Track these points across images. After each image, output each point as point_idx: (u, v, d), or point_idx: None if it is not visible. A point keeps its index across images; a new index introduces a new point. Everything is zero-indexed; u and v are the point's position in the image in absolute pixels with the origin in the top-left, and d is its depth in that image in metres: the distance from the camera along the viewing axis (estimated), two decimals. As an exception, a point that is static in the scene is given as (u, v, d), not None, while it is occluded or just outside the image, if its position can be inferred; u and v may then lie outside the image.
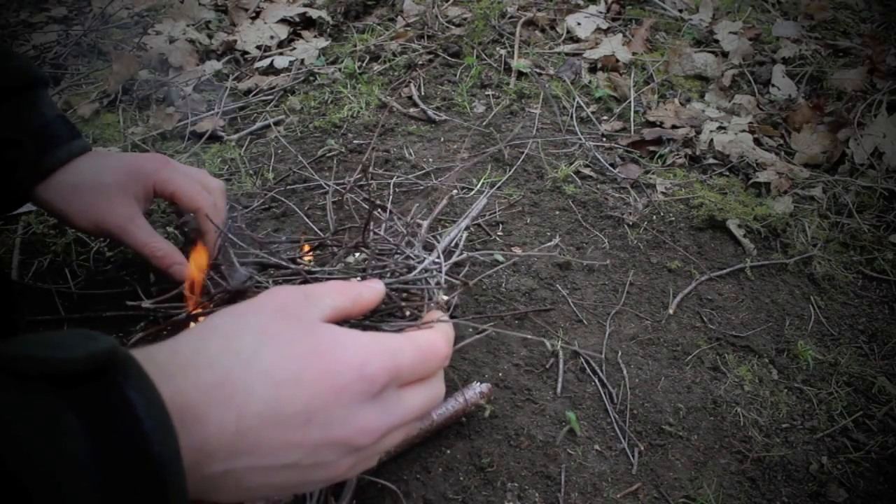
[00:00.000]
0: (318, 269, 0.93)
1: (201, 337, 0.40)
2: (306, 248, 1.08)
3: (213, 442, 0.37)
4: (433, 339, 0.48)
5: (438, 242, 1.09)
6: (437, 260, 0.95)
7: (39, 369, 0.31)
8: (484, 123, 1.60)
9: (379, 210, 1.29)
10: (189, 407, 0.36)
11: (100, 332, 0.36)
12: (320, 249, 1.08)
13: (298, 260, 1.01)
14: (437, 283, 0.94)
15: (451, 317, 1.12)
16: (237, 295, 0.95)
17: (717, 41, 1.92)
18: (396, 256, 0.96)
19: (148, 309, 1.10)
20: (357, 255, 1.02)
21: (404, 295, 0.87)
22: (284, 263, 0.95)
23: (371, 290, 0.51)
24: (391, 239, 1.01)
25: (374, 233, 1.03)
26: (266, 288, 0.92)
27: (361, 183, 1.39)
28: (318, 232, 1.27)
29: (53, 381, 0.31)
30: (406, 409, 0.46)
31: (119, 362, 0.33)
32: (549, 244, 1.29)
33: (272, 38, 1.94)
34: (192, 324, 1.00)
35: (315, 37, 1.97)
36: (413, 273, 0.91)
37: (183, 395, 0.36)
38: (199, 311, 0.97)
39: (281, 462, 0.40)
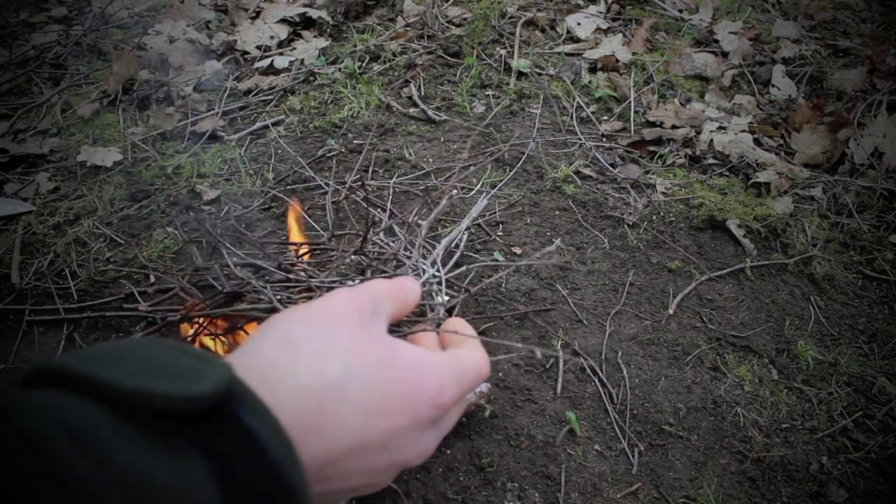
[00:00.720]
0: (315, 277, 0.94)
1: (288, 356, 0.38)
2: (304, 250, 1.08)
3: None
4: (483, 362, 0.48)
5: (437, 247, 1.09)
6: (437, 273, 0.96)
7: (160, 406, 0.27)
8: (484, 124, 1.60)
9: (379, 211, 1.29)
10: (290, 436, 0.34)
11: (173, 340, 0.33)
12: (318, 253, 1.09)
13: (296, 264, 1.01)
14: (437, 292, 0.95)
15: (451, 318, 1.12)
16: (233, 297, 0.95)
17: (717, 41, 1.92)
18: (393, 264, 0.97)
19: (145, 311, 1.10)
20: (354, 257, 1.02)
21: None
22: (282, 274, 0.96)
23: (415, 295, 0.51)
24: (389, 246, 1.01)
25: (373, 241, 1.04)
26: (261, 291, 0.93)
27: (361, 183, 1.39)
28: (320, 231, 1.27)
29: (172, 415, 0.28)
30: (450, 426, 0.47)
31: (233, 387, 0.30)
32: (549, 248, 1.29)
33: (272, 38, 1.94)
34: (190, 325, 1.00)
35: (315, 37, 1.96)
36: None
37: (285, 423, 0.33)
38: (195, 312, 0.97)
39: (349, 486, 0.40)
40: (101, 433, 0.26)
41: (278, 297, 0.90)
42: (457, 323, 0.53)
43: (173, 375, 0.29)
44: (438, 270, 0.95)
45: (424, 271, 0.94)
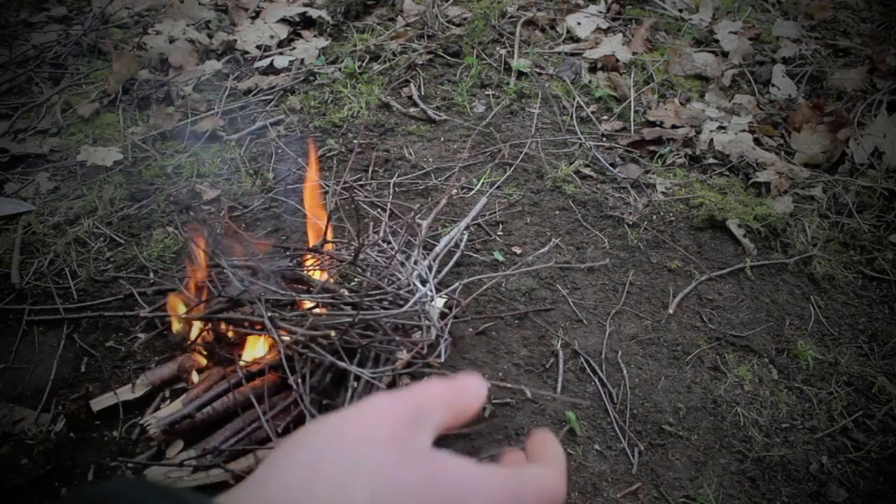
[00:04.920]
0: (306, 297, 0.95)
1: (306, 482, 0.33)
2: (306, 258, 1.09)
3: None
4: (552, 481, 0.39)
5: (428, 256, 1.12)
6: (429, 292, 0.98)
7: None
8: (484, 123, 1.60)
9: (379, 211, 1.29)
10: None
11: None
12: (316, 253, 1.09)
13: (297, 271, 1.02)
14: (432, 300, 0.97)
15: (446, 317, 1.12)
16: (234, 304, 0.95)
17: (717, 41, 1.92)
18: (388, 280, 0.99)
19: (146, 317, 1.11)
20: (351, 283, 1.05)
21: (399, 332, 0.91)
22: (279, 291, 0.97)
23: (478, 400, 0.42)
24: (381, 263, 1.04)
25: (366, 255, 1.06)
26: (260, 289, 0.93)
27: (362, 182, 1.39)
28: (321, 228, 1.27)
29: None
30: None
31: None
32: (547, 247, 1.29)
33: (272, 37, 1.94)
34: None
35: (315, 36, 1.96)
36: (407, 306, 0.94)
37: None
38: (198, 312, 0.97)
39: None
40: None
41: (270, 313, 0.91)
42: (542, 438, 0.44)
43: None
44: (431, 290, 0.98)
45: (417, 289, 0.97)
